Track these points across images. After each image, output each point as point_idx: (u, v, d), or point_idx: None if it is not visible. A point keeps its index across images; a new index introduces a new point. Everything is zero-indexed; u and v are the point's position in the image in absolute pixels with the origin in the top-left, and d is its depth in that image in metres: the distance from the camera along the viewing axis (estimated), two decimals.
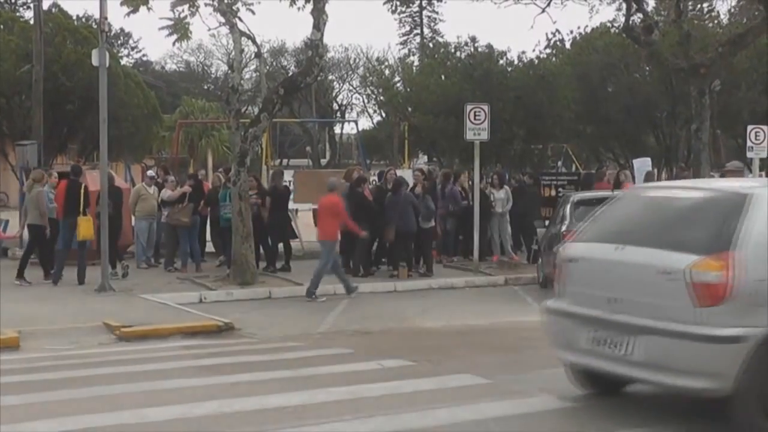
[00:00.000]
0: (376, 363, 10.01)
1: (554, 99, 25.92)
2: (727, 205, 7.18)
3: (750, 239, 6.87)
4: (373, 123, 61.38)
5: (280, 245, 19.57)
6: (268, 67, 56.93)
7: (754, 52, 27.70)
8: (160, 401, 8.14)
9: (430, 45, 44.65)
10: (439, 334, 12.82)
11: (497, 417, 7.48)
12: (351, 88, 66.78)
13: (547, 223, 18.88)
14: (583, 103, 28.37)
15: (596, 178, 21.49)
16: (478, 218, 19.34)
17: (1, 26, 28.22)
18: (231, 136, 19.26)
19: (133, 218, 20.22)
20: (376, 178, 22.36)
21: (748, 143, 22.66)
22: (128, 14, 18.20)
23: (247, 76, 54.03)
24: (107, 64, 16.94)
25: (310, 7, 18.08)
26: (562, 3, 24.73)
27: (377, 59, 47.72)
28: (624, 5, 23.19)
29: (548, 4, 23.96)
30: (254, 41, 19.09)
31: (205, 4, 18.41)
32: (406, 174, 21.24)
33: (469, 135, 19.60)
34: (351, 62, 65.42)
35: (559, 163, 32.74)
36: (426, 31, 72.65)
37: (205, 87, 69.61)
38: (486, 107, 19.76)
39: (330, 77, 64.19)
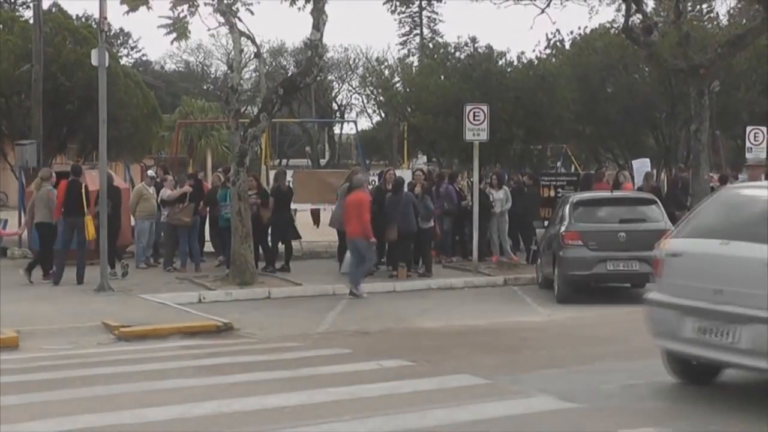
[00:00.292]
0: (375, 363, 10.02)
1: (554, 99, 25.89)
2: None
3: None
4: (372, 123, 61.46)
5: (281, 246, 19.58)
6: (267, 67, 56.86)
7: (754, 53, 27.69)
8: (159, 401, 8.15)
9: (430, 45, 44.56)
10: (438, 334, 12.82)
11: (496, 417, 7.49)
12: (350, 88, 66.88)
13: (546, 223, 18.88)
14: (583, 104, 28.34)
15: (595, 178, 21.50)
16: (478, 219, 19.35)
17: (1, 26, 28.16)
18: (230, 136, 19.26)
19: (132, 218, 20.21)
20: (375, 178, 22.36)
21: (747, 144, 22.70)
22: (127, 13, 18.22)
23: (247, 76, 53.99)
24: (107, 64, 16.94)
25: (309, 7, 18.10)
26: (561, 4, 24.72)
27: (377, 59, 47.75)
28: (623, 6, 23.18)
29: (548, 5, 23.94)
30: (254, 41, 19.08)
31: (205, 4, 18.44)
32: (406, 174, 21.24)
33: (469, 135, 19.60)
34: (350, 62, 65.50)
35: (559, 164, 32.74)
36: (425, 31, 72.69)
37: (205, 87, 69.63)
38: (485, 108, 19.77)
39: (329, 77, 64.20)
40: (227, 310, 14.56)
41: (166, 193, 19.69)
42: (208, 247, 20.83)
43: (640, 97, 29.04)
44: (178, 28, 18.84)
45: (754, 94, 29.34)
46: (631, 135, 31.21)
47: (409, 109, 28.55)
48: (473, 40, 30.11)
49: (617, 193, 17.96)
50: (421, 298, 16.49)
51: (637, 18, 22.69)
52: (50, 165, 24.09)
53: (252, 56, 49.33)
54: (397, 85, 31.18)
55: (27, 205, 19.35)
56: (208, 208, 19.87)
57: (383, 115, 50.28)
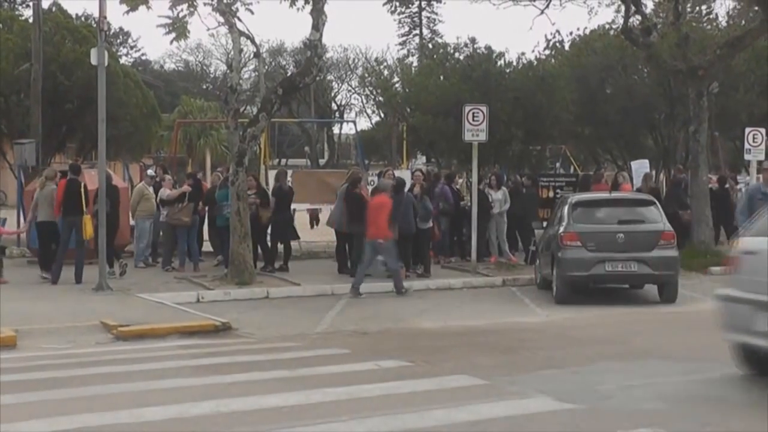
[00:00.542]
0: (374, 363, 10.02)
1: (553, 100, 25.86)
2: None
3: None
4: (371, 123, 61.46)
5: (280, 245, 19.57)
6: (266, 67, 56.87)
7: (752, 55, 27.69)
8: (157, 401, 8.15)
9: (429, 46, 44.61)
10: (436, 334, 12.82)
11: (494, 418, 7.50)
12: (350, 88, 66.91)
13: (544, 224, 18.88)
14: (582, 105, 28.30)
15: (594, 179, 21.48)
16: (476, 219, 19.35)
17: (0, 25, 28.15)
18: (229, 135, 19.25)
19: (132, 218, 20.20)
20: (375, 178, 22.35)
21: (746, 145, 22.68)
22: (127, 12, 18.18)
23: (246, 75, 54.03)
24: (106, 63, 16.94)
25: (309, 7, 18.09)
26: (561, 5, 24.73)
27: (376, 60, 47.70)
28: (623, 7, 23.19)
29: (547, 6, 23.95)
30: (253, 41, 19.06)
31: (204, 4, 18.40)
32: (405, 175, 21.25)
33: (468, 136, 19.60)
34: (350, 62, 65.52)
35: (557, 165, 32.74)
36: (425, 31, 72.81)
37: (204, 86, 69.63)
38: (484, 108, 19.77)
39: (329, 77, 64.20)
40: (225, 310, 14.55)
41: (165, 192, 19.68)
42: (207, 246, 20.82)
43: (639, 98, 29.03)
44: (178, 28, 18.82)
45: (753, 95, 29.33)
46: (629, 136, 31.20)
47: (409, 110, 28.50)
48: (472, 40, 30.12)
49: (616, 194, 17.95)
50: (419, 299, 16.48)
51: (636, 19, 22.72)
52: (49, 164, 24.10)
53: (251, 56, 49.21)
54: (397, 85, 31.11)
55: (29, 204, 19.31)
56: (206, 208, 19.86)
57: (382, 115, 50.31)
